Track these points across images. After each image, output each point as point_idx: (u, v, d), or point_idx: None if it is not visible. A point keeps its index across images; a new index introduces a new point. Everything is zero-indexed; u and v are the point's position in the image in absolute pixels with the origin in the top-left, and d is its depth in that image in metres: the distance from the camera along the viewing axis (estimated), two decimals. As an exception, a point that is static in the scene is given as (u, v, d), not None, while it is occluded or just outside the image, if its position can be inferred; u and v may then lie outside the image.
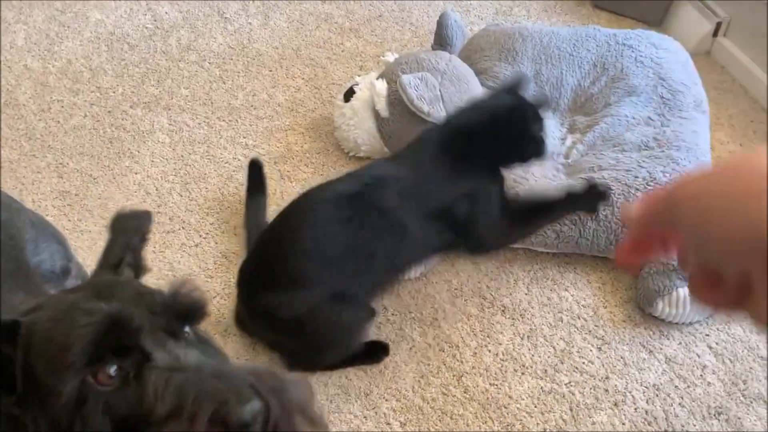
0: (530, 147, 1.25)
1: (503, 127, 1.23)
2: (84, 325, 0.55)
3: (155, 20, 2.04)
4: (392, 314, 1.35)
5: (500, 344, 1.31)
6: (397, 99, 1.53)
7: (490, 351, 1.30)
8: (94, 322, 0.55)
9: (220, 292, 1.38)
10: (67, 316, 0.56)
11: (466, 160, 1.22)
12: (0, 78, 1.84)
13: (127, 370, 0.56)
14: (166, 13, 2.06)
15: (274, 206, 1.55)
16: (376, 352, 1.27)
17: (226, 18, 2.06)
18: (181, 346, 0.58)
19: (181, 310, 0.61)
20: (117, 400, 0.55)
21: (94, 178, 1.59)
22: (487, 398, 1.23)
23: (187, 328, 0.61)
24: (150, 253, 1.44)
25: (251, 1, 2.10)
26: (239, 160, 1.65)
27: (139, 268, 0.72)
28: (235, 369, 0.57)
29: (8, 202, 0.97)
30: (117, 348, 0.56)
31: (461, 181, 1.22)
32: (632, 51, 1.65)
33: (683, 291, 1.29)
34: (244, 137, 1.71)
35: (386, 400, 1.22)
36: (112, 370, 0.55)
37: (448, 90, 1.54)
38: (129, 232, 0.72)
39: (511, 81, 1.34)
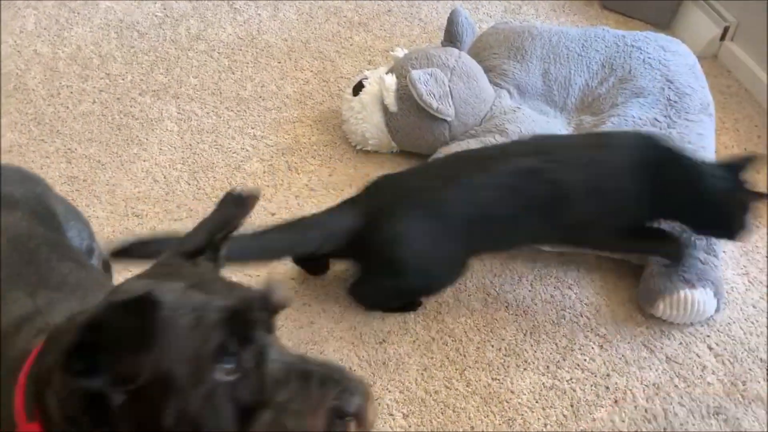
0: (722, 231, 1.31)
1: (709, 204, 1.26)
2: (213, 324, 0.56)
3: (165, 9, 2.04)
4: (396, 307, 1.36)
5: (503, 339, 1.32)
6: (406, 94, 1.54)
7: (492, 346, 1.31)
8: (221, 319, 0.57)
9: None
10: (187, 311, 0.57)
11: (658, 192, 1.27)
12: (0, 62, 1.84)
13: (248, 361, 0.58)
14: (176, 1, 2.07)
15: (282, 197, 1.56)
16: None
17: (235, 8, 2.06)
18: (276, 341, 0.61)
19: (275, 309, 0.63)
20: (240, 389, 0.57)
21: (102, 165, 1.60)
22: (489, 392, 1.24)
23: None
24: (157, 241, 1.45)
25: (261, -7, 2.10)
26: (247, 150, 1.66)
27: (215, 262, 0.70)
28: (324, 364, 0.61)
29: (38, 178, 0.98)
30: (240, 340, 0.58)
31: (638, 200, 1.28)
32: (640, 53, 1.66)
33: (684, 293, 1.31)
34: (252, 128, 1.72)
35: (389, 392, 1.23)
36: (236, 361, 0.58)
37: (457, 86, 1.55)
38: (216, 222, 0.71)
39: (738, 159, 1.31)
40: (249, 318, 0.59)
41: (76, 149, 1.63)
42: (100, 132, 1.68)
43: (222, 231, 0.70)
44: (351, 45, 1.98)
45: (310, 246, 1.24)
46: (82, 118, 1.71)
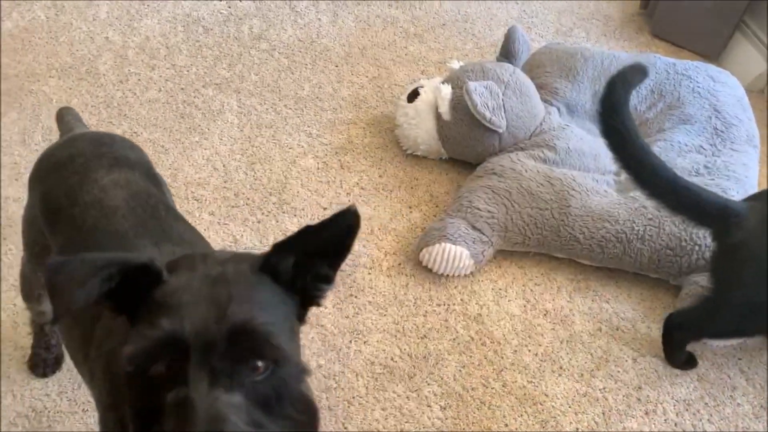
0: None
1: None
2: (147, 337, 0.59)
3: (230, 7, 2.14)
4: (437, 305, 1.42)
5: (540, 345, 1.37)
6: (460, 104, 1.60)
7: (530, 350, 1.36)
8: (153, 338, 0.59)
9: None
10: (163, 309, 0.60)
11: None
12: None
13: (173, 375, 0.58)
14: (240, 1, 2.16)
15: (333, 193, 1.63)
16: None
17: (296, 12, 2.15)
18: (225, 386, 0.58)
19: (239, 350, 0.59)
20: (156, 389, 0.58)
21: (166, 150, 1.68)
22: (525, 394, 1.29)
23: (259, 363, 0.60)
24: (215, 224, 1.53)
25: (322, -2, 2.19)
26: (303, 147, 1.74)
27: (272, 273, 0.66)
28: None
29: (141, 149, 1.05)
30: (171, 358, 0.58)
31: None
32: (690, 81, 1.71)
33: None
34: (309, 126, 1.80)
35: (428, 385, 1.28)
36: (162, 368, 0.59)
37: (510, 100, 1.61)
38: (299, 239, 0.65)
39: None
40: (181, 350, 0.58)
41: (141, 133, 1.72)
42: (164, 119, 1.77)
43: (287, 248, 0.66)
44: (406, 54, 2.05)
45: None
46: (148, 104, 1.80)
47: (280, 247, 0.66)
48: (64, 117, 1.16)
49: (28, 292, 1.11)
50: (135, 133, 1.72)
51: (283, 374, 0.61)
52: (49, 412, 1.20)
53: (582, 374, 1.33)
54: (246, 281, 0.63)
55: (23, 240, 1.04)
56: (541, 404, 1.28)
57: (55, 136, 1.71)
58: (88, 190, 0.88)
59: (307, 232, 0.65)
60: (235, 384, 0.58)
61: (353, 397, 1.26)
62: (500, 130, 1.59)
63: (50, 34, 1.95)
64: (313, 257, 0.66)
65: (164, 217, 0.88)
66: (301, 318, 0.70)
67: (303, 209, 1.59)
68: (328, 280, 0.68)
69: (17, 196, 1.53)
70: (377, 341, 1.35)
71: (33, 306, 1.13)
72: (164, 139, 1.71)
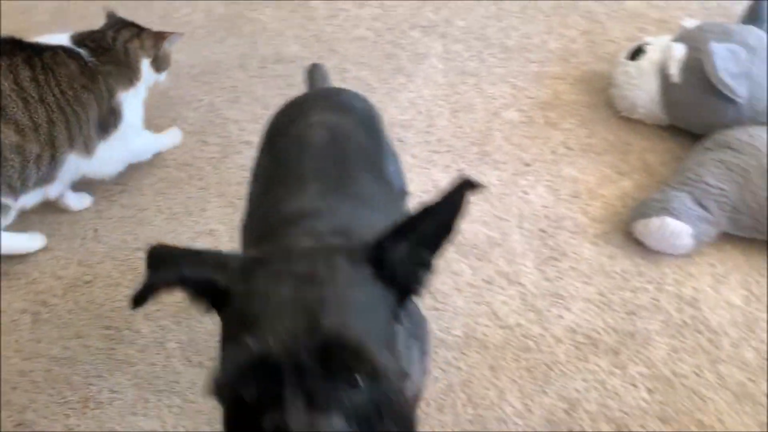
0: None
1: None
2: (234, 363, 0.54)
3: (438, -51, 2.06)
4: (648, 282, 1.32)
5: (763, 342, 1.24)
6: (695, 66, 1.45)
7: (752, 346, 1.23)
8: (242, 360, 0.53)
9: (477, 219, 1.42)
10: (247, 321, 0.55)
11: None
12: (295, -20, 1.97)
13: (266, 398, 0.53)
14: (450, -57, 2.07)
15: (537, 150, 1.55)
16: None
17: (506, -43, 2.05)
18: (322, 408, 0.52)
19: (334, 365, 0.53)
20: (251, 413, 0.54)
21: (373, 88, 1.68)
22: (744, 391, 1.17)
23: (357, 377, 0.54)
24: (416, 168, 1.51)
25: (536, -56, 2.04)
26: (506, 98, 1.67)
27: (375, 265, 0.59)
28: None
29: (373, 106, 1.05)
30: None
31: None
32: None
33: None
34: (514, 77, 1.72)
35: (635, 364, 1.20)
36: (254, 392, 0.54)
37: (755, 68, 1.43)
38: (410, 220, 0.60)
39: None
40: (272, 373, 0.52)
41: (350, 69, 1.73)
42: (371, 57, 1.76)
43: (402, 230, 0.60)
44: (623, 9, 1.90)
45: None
46: (356, 41, 1.80)
47: (397, 232, 0.59)
48: (313, 74, 1.20)
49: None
50: (344, 69, 1.73)
51: (383, 387, 0.55)
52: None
53: (812, 381, 1.18)
54: (340, 279, 0.57)
55: None
56: (761, 405, 1.16)
57: (270, 66, 1.76)
58: (298, 124, 0.90)
59: (427, 213, 0.58)
60: (332, 403, 0.53)
61: (553, 362, 1.21)
62: (740, 100, 1.43)
63: (267, -34, 2.00)
64: (422, 242, 0.60)
65: (351, 166, 0.85)
66: (397, 316, 0.62)
67: (505, 163, 1.53)
68: (431, 266, 0.61)
69: (236, 118, 1.59)
70: (580, 310, 1.28)
71: None
72: (371, 78, 1.71)
